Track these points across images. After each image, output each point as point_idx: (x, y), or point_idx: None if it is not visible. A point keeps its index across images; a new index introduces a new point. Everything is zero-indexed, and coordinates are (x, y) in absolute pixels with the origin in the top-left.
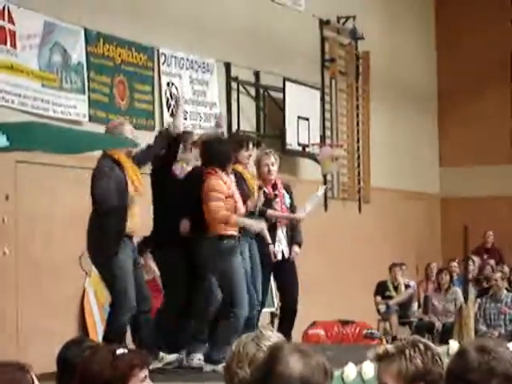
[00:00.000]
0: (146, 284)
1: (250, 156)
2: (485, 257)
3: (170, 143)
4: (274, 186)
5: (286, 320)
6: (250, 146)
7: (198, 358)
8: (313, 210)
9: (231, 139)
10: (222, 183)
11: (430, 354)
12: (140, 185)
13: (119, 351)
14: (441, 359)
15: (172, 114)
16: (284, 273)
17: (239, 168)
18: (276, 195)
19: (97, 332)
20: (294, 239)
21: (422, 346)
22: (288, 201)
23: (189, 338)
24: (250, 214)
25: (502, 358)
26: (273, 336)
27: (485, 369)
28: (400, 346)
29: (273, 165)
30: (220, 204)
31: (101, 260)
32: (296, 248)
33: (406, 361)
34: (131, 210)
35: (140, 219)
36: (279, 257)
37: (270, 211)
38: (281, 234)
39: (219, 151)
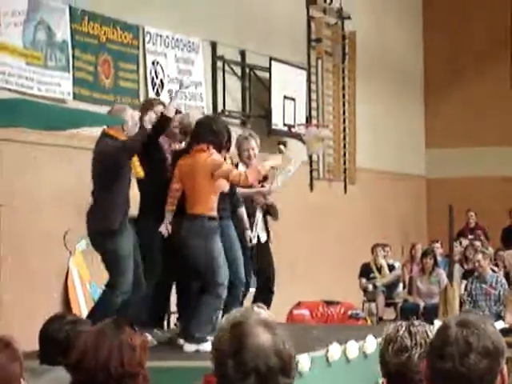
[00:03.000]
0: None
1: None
2: (470, 237)
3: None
4: None
5: (262, 301)
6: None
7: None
8: (283, 184)
9: (223, 121)
10: (219, 156)
11: None
12: (139, 168)
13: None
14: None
15: (157, 93)
16: (259, 254)
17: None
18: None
19: (80, 309)
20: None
21: None
22: None
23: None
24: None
25: (482, 334)
26: (262, 312)
27: (462, 343)
28: None
29: (253, 149)
30: (235, 170)
31: (106, 238)
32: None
33: None
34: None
35: None
36: (254, 241)
37: (240, 190)
38: (258, 218)
39: (214, 130)
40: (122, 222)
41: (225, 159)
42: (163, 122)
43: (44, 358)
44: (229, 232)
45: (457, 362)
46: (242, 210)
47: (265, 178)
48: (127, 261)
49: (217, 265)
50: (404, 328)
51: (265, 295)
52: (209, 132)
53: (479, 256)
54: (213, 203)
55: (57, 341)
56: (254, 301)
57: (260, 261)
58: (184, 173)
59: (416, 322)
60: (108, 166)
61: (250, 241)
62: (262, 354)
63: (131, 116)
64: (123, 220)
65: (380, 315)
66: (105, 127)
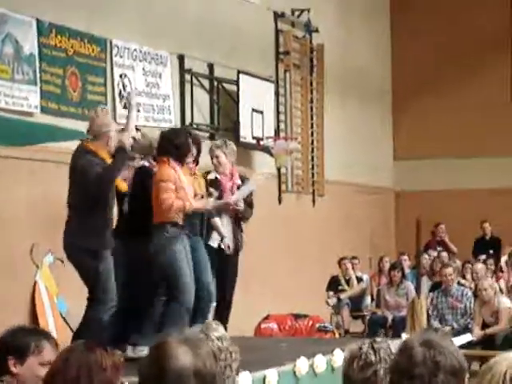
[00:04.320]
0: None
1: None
2: (438, 249)
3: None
4: (231, 176)
5: (223, 312)
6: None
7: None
8: (243, 196)
9: (185, 134)
10: (173, 172)
11: None
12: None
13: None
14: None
15: (125, 107)
16: (225, 265)
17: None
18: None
19: (47, 323)
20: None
21: None
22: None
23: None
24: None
25: (447, 352)
26: (219, 328)
27: (430, 363)
28: None
29: (217, 157)
30: (170, 195)
31: (87, 254)
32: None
33: None
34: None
35: None
36: (228, 251)
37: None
38: (227, 227)
39: (176, 144)
40: (108, 239)
41: (194, 174)
42: (121, 152)
43: None
44: (198, 247)
45: (426, 383)
46: (216, 220)
47: None
48: (111, 277)
49: (181, 269)
50: (367, 345)
51: (227, 308)
52: (171, 146)
53: (449, 270)
54: (172, 212)
55: (8, 348)
56: (216, 313)
57: (225, 270)
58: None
59: (378, 339)
60: (94, 186)
61: (229, 248)
62: (183, 378)
63: (116, 131)
64: (109, 237)
65: (346, 328)
66: (82, 140)
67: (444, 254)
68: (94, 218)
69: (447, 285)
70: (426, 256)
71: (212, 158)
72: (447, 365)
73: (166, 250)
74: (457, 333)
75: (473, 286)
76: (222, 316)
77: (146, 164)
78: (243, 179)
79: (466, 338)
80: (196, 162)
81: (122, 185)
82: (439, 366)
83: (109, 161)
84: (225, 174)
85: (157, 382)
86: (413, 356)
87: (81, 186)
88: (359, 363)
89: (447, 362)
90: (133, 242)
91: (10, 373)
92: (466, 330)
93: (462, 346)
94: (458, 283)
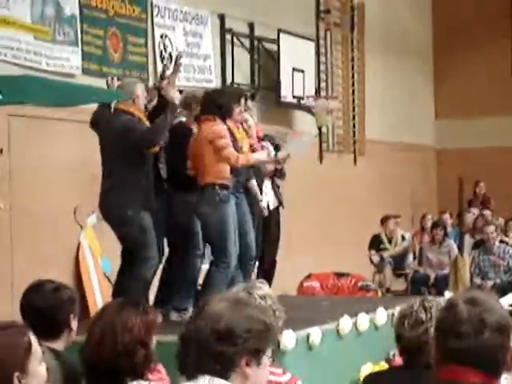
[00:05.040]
0: None
1: (242, 111)
2: (480, 207)
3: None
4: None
5: (267, 270)
6: (242, 101)
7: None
8: (295, 154)
9: (229, 94)
10: (225, 128)
11: None
12: None
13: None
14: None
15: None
16: (267, 224)
17: (230, 125)
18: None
19: (92, 285)
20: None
21: None
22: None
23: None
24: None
25: (493, 310)
26: (264, 287)
27: (476, 320)
28: None
29: (246, 120)
30: (232, 149)
31: (130, 214)
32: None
33: None
34: None
35: None
36: (266, 213)
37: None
38: (267, 187)
39: (219, 104)
40: (147, 198)
41: (242, 124)
42: (172, 107)
43: None
44: (241, 204)
45: (472, 340)
46: (253, 182)
47: None
48: (152, 234)
49: (228, 235)
50: (418, 303)
51: (269, 266)
52: (214, 106)
53: (491, 227)
54: (221, 172)
55: (35, 311)
56: (259, 270)
57: (266, 231)
58: (192, 146)
59: (429, 297)
60: (135, 145)
61: (268, 208)
62: (205, 320)
63: (142, 89)
64: (150, 196)
65: (388, 286)
66: (114, 103)
67: (487, 213)
68: (135, 175)
69: (489, 243)
70: (469, 214)
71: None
72: (493, 322)
73: (217, 214)
74: (500, 288)
75: None
76: (266, 274)
77: (183, 119)
78: (271, 139)
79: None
80: (241, 111)
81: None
82: (485, 324)
83: (144, 118)
84: (253, 137)
85: (191, 324)
86: (458, 314)
87: (119, 144)
88: (410, 321)
89: (493, 319)
90: (177, 198)
91: None
92: (509, 284)
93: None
94: (501, 241)
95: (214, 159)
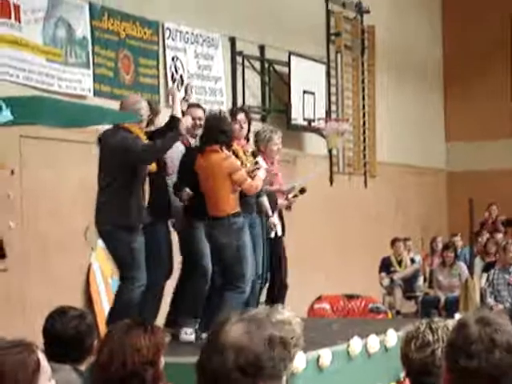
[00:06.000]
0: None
1: (242, 128)
2: (492, 230)
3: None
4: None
5: (277, 295)
6: (238, 116)
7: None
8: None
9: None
10: (234, 158)
11: None
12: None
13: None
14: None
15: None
16: (273, 249)
17: (233, 145)
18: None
19: (102, 305)
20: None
21: None
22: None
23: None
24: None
25: (503, 330)
26: (284, 311)
27: (486, 340)
28: None
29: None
30: (249, 180)
31: (120, 232)
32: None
33: None
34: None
35: None
36: (279, 231)
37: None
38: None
39: (223, 130)
40: (139, 217)
41: (244, 153)
42: (175, 132)
43: (51, 355)
44: (254, 226)
45: (483, 360)
46: (264, 199)
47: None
48: (142, 254)
49: (246, 260)
50: (425, 325)
51: (281, 291)
52: (219, 133)
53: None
54: (234, 201)
55: (64, 338)
56: (268, 295)
57: (274, 255)
58: (203, 179)
59: (436, 319)
60: (130, 162)
61: (273, 227)
62: (225, 352)
63: (146, 107)
64: (140, 215)
65: (398, 309)
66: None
67: (499, 236)
68: (130, 194)
69: (506, 263)
70: (482, 237)
71: (274, 145)
72: (504, 341)
73: (236, 243)
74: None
75: None
76: (275, 297)
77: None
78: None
79: None
80: (247, 139)
81: (152, 164)
82: (496, 344)
83: (142, 136)
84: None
85: (206, 355)
86: (469, 334)
87: (116, 160)
88: (417, 343)
89: (503, 339)
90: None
91: None
92: None
93: None
94: None
95: (230, 191)
